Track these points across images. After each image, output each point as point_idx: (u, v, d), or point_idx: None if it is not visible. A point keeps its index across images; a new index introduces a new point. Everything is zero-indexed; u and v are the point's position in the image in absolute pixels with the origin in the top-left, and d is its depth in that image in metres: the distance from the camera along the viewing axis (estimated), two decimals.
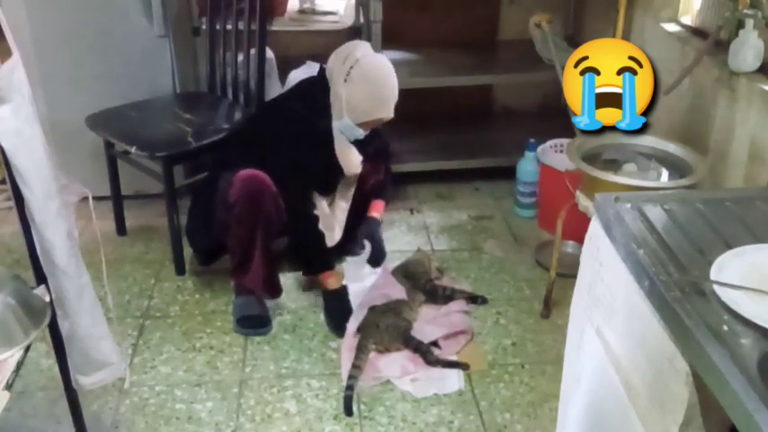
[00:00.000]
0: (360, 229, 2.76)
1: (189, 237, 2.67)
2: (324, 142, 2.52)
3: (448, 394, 2.19)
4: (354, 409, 2.14)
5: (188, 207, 2.67)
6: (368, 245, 2.73)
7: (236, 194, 2.36)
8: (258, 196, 2.36)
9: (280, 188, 2.39)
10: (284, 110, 2.55)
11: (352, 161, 2.60)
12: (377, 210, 2.80)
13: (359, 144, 2.59)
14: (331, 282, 2.54)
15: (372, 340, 2.33)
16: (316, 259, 2.56)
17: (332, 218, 2.73)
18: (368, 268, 2.71)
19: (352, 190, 2.75)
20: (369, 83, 2.43)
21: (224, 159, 2.57)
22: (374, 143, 2.68)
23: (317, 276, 2.57)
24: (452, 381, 2.24)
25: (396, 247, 2.90)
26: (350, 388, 2.17)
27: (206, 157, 2.79)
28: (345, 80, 2.43)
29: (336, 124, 2.50)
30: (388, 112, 2.48)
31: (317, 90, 2.51)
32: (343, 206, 2.75)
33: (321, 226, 2.56)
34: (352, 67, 2.42)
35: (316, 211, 2.59)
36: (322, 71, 2.53)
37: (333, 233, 2.70)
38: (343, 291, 2.54)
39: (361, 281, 2.63)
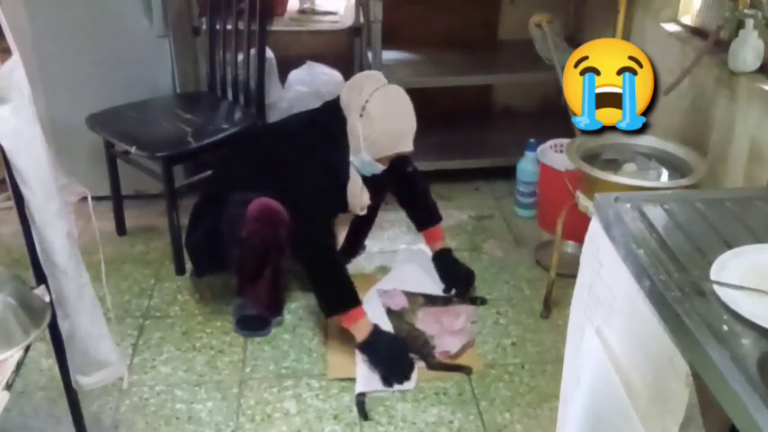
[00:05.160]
0: (439, 270, 2.60)
1: (191, 254, 2.58)
2: (341, 183, 2.39)
3: (448, 394, 2.19)
4: (354, 409, 2.15)
5: (189, 216, 2.54)
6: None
7: (251, 231, 2.27)
8: (273, 231, 2.28)
9: (293, 214, 2.29)
10: (304, 144, 2.38)
11: (361, 202, 2.44)
12: (440, 237, 2.64)
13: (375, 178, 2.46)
14: (361, 327, 2.25)
15: None
16: (340, 296, 2.28)
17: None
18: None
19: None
20: (386, 117, 2.30)
21: (234, 179, 2.46)
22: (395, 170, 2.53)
23: (344, 322, 2.28)
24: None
25: (395, 246, 2.90)
26: (363, 394, 2.17)
27: (206, 157, 2.79)
28: (361, 115, 2.30)
29: (353, 160, 2.36)
30: (408, 146, 2.33)
31: (335, 124, 2.36)
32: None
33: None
34: (367, 101, 2.29)
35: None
36: (337, 102, 2.39)
37: None
38: (377, 333, 2.27)
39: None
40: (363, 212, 2.49)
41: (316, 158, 2.34)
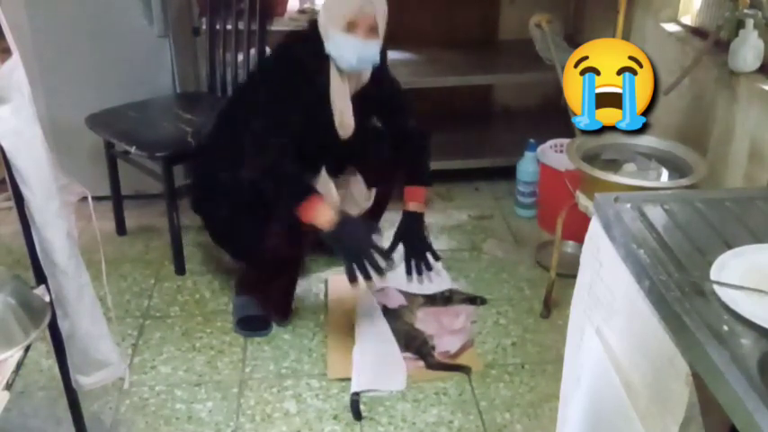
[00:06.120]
0: (396, 231, 2.48)
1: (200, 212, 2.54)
2: (311, 74, 2.25)
3: (448, 394, 2.19)
4: None
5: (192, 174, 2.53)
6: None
7: (273, 248, 2.26)
8: (296, 247, 2.28)
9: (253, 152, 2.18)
10: (285, 57, 2.30)
11: (344, 117, 2.31)
12: (416, 198, 2.46)
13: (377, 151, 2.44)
14: (324, 216, 2.11)
15: None
16: (297, 187, 2.16)
17: (350, 200, 2.55)
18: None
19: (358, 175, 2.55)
20: None
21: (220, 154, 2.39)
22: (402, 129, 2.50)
23: (306, 215, 2.13)
24: (396, 380, 2.22)
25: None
26: (357, 394, 2.16)
27: None
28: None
29: (330, 49, 2.22)
30: None
31: (306, 30, 2.30)
32: (358, 185, 2.53)
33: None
34: None
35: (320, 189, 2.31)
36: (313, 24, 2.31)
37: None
38: (348, 219, 2.15)
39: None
40: (346, 135, 2.36)
41: (281, 51, 2.30)
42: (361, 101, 2.37)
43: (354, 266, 2.08)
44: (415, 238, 2.47)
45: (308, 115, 2.25)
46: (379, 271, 2.09)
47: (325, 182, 2.43)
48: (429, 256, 2.46)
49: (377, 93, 2.42)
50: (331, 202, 2.30)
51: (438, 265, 2.58)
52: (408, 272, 2.43)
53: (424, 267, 2.43)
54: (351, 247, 2.11)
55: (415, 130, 2.55)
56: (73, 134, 2.94)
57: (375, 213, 2.75)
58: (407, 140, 2.53)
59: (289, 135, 2.19)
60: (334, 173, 2.51)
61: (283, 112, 2.22)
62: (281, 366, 2.33)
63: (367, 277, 2.08)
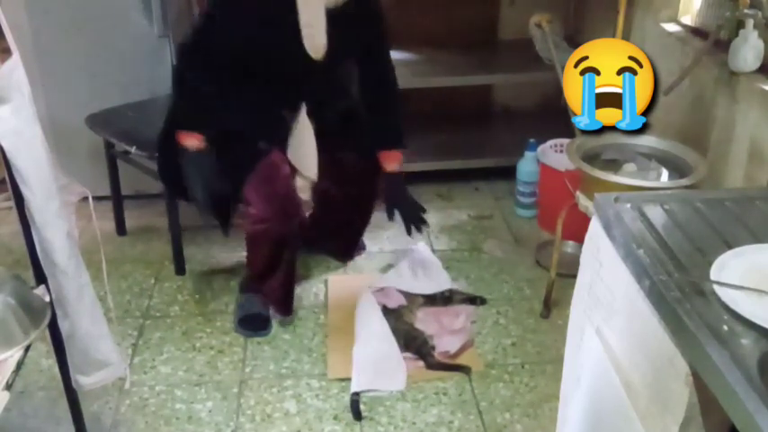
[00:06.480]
0: (385, 196, 2.45)
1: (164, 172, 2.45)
2: (284, 8, 2.09)
3: (448, 394, 2.19)
4: None
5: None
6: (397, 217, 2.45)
7: (262, 216, 2.22)
8: (287, 223, 2.24)
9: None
10: None
11: (319, 28, 2.12)
12: (393, 160, 2.43)
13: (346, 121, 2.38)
14: (191, 141, 2.18)
15: None
16: (194, 116, 2.19)
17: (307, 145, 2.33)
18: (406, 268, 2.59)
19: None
20: None
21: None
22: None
23: (180, 139, 2.19)
24: (396, 380, 2.22)
25: (395, 246, 2.90)
26: (357, 394, 2.16)
27: None
28: None
29: None
30: None
31: None
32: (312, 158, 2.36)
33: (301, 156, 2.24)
34: None
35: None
36: None
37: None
38: (206, 154, 2.17)
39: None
40: (317, 55, 2.17)
41: None
42: (340, 18, 2.14)
43: (195, 185, 2.19)
44: (403, 198, 2.47)
45: (271, 25, 2.11)
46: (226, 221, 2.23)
47: (304, 127, 2.32)
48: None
49: (359, 12, 2.19)
50: (305, 156, 2.32)
51: (438, 265, 2.63)
52: (409, 232, 2.46)
53: (421, 224, 2.48)
54: (194, 171, 2.20)
55: (389, 79, 2.44)
56: (73, 134, 2.94)
57: (359, 225, 2.75)
58: (379, 91, 2.43)
59: (217, 50, 2.14)
60: (312, 111, 2.32)
61: (223, 24, 2.15)
62: (281, 366, 2.33)
63: (209, 202, 2.19)
